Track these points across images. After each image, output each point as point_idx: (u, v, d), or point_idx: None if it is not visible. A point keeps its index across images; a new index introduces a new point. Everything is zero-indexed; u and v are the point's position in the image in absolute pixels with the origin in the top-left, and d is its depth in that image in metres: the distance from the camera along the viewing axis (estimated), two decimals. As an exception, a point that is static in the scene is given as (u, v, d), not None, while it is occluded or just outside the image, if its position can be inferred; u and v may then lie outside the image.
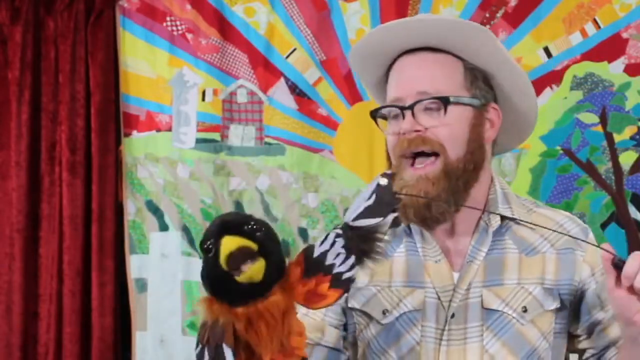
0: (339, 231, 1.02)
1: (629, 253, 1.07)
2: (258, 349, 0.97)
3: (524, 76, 1.29)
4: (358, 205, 1.02)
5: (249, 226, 0.96)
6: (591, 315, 1.28)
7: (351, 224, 1.01)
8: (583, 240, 1.25)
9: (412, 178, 1.21)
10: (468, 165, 1.22)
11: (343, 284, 1.02)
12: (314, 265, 1.01)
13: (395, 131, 1.24)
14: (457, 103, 1.22)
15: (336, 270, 1.01)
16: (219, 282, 0.97)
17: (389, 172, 1.05)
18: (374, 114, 1.28)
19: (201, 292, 2.57)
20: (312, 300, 1.02)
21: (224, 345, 0.97)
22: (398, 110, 1.23)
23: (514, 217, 1.27)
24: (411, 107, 1.21)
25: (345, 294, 1.04)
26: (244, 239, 0.95)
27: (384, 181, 1.02)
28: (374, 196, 1.01)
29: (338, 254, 1.01)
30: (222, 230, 0.96)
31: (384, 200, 1.02)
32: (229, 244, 0.94)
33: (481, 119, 1.25)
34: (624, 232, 2.33)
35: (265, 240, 0.96)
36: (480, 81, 1.25)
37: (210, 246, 0.96)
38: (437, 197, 1.19)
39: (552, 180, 2.40)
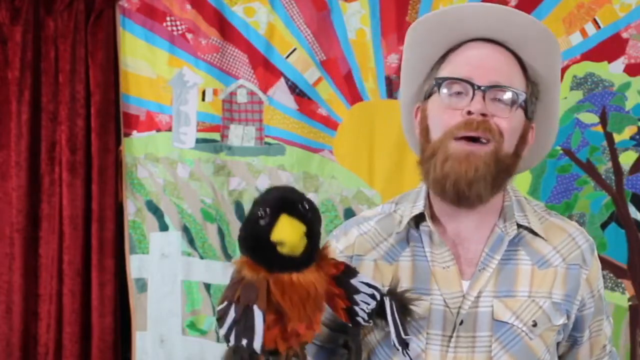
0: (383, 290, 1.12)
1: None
2: (290, 313, 1.02)
3: (558, 102, 1.30)
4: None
5: (303, 206, 1.01)
6: (581, 335, 1.31)
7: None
8: None
9: (462, 152, 1.17)
10: (513, 167, 1.22)
11: (351, 321, 1.12)
12: (350, 284, 1.09)
13: (459, 106, 1.20)
14: (522, 106, 1.22)
15: (357, 307, 1.10)
16: (262, 248, 1.01)
17: None
18: (440, 81, 1.22)
19: (201, 292, 2.59)
20: (328, 300, 1.09)
21: (255, 307, 1.00)
22: (462, 88, 1.20)
23: (530, 226, 1.26)
24: (487, 89, 1.19)
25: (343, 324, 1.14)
26: (302, 224, 1.00)
27: None
28: None
29: (367, 298, 1.10)
30: (282, 206, 1.00)
31: None
32: (290, 230, 0.99)
33: (527, 130, 1.26)
34: (624, 232, 2.32)
35: (313, 223, 1.02)
36: (535, 97, 1.27)
37: (266, 217, 1.00)
38: (481, 176, 1.16)
39: (552, 180, 2.40)
